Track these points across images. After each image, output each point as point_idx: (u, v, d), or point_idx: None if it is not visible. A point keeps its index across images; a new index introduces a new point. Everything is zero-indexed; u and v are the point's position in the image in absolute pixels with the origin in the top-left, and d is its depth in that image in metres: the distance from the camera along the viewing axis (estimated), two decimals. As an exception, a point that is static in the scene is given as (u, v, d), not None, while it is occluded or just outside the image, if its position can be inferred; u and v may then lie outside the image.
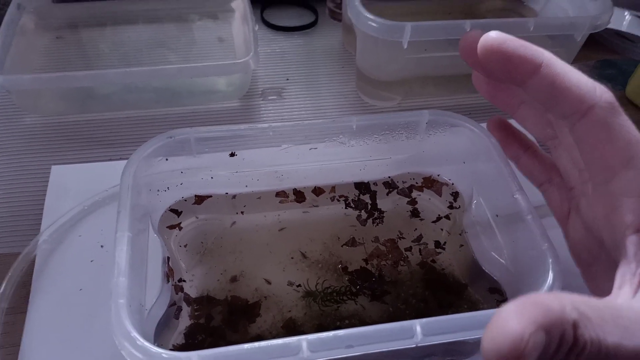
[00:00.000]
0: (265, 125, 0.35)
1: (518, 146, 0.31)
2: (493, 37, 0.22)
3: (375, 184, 0.41)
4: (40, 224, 0.39)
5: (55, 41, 0.56)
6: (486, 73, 0.27)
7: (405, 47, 0.44)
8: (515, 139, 0.31)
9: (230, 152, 0.37)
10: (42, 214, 0.40)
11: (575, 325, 0.15)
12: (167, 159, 0.35)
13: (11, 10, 0.52)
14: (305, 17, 0.62)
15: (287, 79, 0.55)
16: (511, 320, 0.15)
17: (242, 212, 0.39)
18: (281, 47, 0.59)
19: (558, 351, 0.15)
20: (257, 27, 0.51)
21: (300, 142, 0.37)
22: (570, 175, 0.27)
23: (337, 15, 0.62)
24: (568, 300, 0.16)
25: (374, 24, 0.44)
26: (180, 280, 0.34)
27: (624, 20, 0.60)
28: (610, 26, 0.49)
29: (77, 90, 0.48)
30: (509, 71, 0.22)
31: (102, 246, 0.38)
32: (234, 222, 0.38)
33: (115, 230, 0.28)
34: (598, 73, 0.58)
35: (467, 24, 0.43)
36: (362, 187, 0.41)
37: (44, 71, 0.53)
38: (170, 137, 0.34)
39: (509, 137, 0.32)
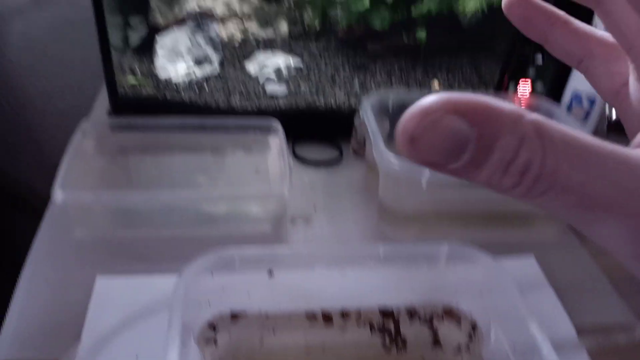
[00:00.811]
0: (301, 247, 0.39)
1: (545, 22, 0.24)
2: None
3: (398, 310, 0.43)
4: (82, 332, 0.41)
5: (110, 164, 0.62)
6: None
7: (424, 186, 0.50)
8: (540, 13, 0.24)
9: (268, 269, 0.40)
10: (83, 322, 0.42)
11: (522, 140, 0.13)
12: (212, 276, 0.38)
13: (77, 136, 0.60)
14: (331, 153, 0.70)
15: (315, 208, 0.60)
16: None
17: (273, 331, 0.41)
18: (310, 179, 0.65)
19: (489, 157, 0.13)
20: (291, 162, 0.58)
21: (331, 265, 0.41)
22: (628, 29, 0.21)
23: (360, 152, 0.69)
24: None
25: (396, 164, 0.50)
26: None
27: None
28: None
29: (126, 208, 0.53)
30: None
31: (137, 356, 0.40)
32: (264, 342, 0.40)
33: (166, 343, 0.31)
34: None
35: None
36: (386, 313, 0.43)
37: (97, 190, 0.58)
38: (218, 256, 0.38)
39: (532, 12, 0.24)
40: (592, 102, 0.70)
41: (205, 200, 0.52)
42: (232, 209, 0.55)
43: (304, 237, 0.56)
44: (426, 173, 0.49)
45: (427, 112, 0.13)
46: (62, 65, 1.04)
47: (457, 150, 0.13)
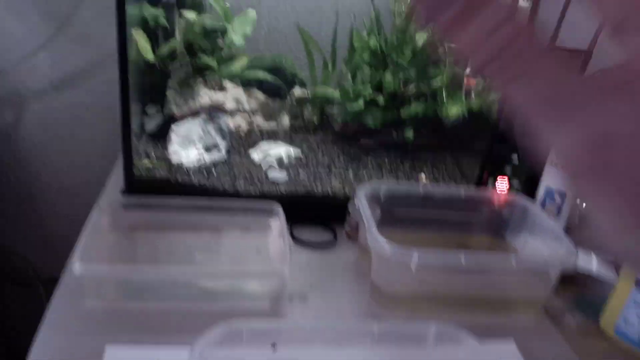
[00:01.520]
0: (303, 323, 0.44)
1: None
2: None
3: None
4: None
5: (122, 240, 0.67)
6: None
7: (414, 269, 0.55)
8: None
9: (272, 343, 0.44)
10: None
11: (511, 14, 0.14)
12: (220, 348, 0.42)
13: (95, 212, 0.65)
14: (326, 236, 0.75)
15: (311, 286, 0.64)
16: None
17: (273, 403, 0.44)
18: (306, 259, 0.70)
19: (476, 16, 0.14)
20: (292, 244, 0.63)
21: (329, 341, 0.45)
22: None
23: (353, 236, 0.74)
24: None
25: (388, 249, 0.55)
26: None
27: (592, 264, 0.72)
28: (582, 265, 0.60)
29: (136, 282, 0.57)
30: None
31: None
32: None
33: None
34: (574, 306, 0.67)
35: (462, 256, 0.55)
36: (378, 387, 0.47)
37: (111, 263, 0.62)
38: (228, 329, 0.42)
39: None
40: (563, 196, 0.78)
41: (209, 276, 0.56)
42: (235, 285, 0.60)
43: (301, 314, 0.59)
44: (415, 257, 0.54)
45: None
46: (73, 145, 1.10)
47: None
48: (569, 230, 0.74)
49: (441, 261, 0.55)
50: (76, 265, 0.53)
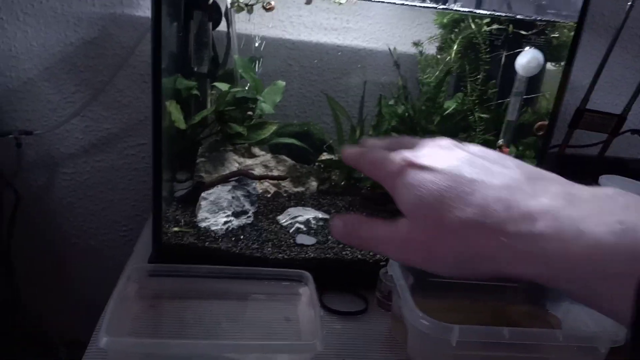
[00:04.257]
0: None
1: None
2: None
3: None
4: None
5: (148, 309, 0.66)
6: None
7: (454, 344, 0.53)
8: None
9: None
10: None
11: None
12: None
13: (122, 281, 0.64)
14: (357, 303, 0.73)
15: (343, 359, 0.62)
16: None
17: None
18: (336, 329, 0.67)
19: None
20: (322, 313, 0.61)
21: None
22: None
23: (384, 305, 0.72)
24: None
25: (425, 323, 0.53)
26: None
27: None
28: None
29: (161, 355, 0.55)
30: None
31: None
32: None
33: None
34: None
35: (506, 331, 0.52)
36: None
37: (137, 336, 0.61)
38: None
39: None
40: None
41: (237, 349, 0.54)
42: (263, 358, 0.57)
43: (334, 392, 0.56)
44: (456, 333, 0.52)
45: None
46: (102, 207, 1.12)
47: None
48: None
49: (483, 336, 0.52)
50: (103, 339, 0.52)
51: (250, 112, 0.81)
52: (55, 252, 1.15)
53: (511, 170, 0.27)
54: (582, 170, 0.86)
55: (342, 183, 0.87)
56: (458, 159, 0.28)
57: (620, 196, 0.24)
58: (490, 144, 0.74)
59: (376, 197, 0.86)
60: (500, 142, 0.72)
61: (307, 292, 0.68)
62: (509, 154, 0.73)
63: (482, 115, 0.75)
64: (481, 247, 0.25)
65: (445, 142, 0.31)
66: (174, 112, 0.76)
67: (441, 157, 0.28)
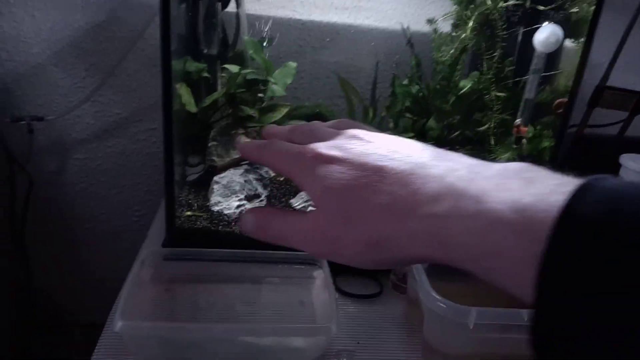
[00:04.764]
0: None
1: None
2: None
3: None
4: None
5: (163, 293, 0.66)
6: None
7: (471, 327, 0.52)
8: None
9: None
10: None
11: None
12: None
13: (136, 265, 0.64)
14: (371, 287, 0.72)
15: (358, 343, 0.61)
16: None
17: None
18: (351, 312, 0.67)
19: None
20: (336, 296, 0.60)
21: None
22: None
23: (399, 287, 0.71)
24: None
25: (442, 305, 0.52)
26: None
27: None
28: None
29: (177, 339, 0.55)
30: None
31: None
32: None
33: None
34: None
35: (524, 313, 0.51)
36: None
37: (152, 320, 0.61)
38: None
39: None
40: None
41: (252, 333, 0.54)
42: (278, 342, 0.57)
43: (349, 375, 0.56)
44: (473, 314, 0.51)
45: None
46: (114, 192, 1.12)
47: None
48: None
49: (501, 319, 0.52)
50: (118, 323, 0.52)
51: (260, 94, 0.80)
52: (69, 237, 1.16)
53: (417, 154, 0.27)
54: (602, 150, 0.83)
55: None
56: (365, 147, 0.28)
57: (528, 171, 0.24)
58: (507, 123, 0.72)
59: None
60: (518, 121, 0.71)
61: (321, 275, 0.67)
62: (527, 134, 0.71)
63: (499, 94, 0.73)
64: (390, 234, 0.26)
65: (351, 131, 0.31)
66: (185, 94, 0.75)
67: (348, 146, 0.29)
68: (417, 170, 0.26)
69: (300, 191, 0.81)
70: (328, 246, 0.28)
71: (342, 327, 0.64)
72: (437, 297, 0.53)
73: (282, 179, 0.84)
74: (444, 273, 0.66)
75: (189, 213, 0.74)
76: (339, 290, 0.71)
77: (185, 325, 0.54)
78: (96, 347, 0.58)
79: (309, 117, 0.87)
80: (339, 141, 0.30)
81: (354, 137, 0.30)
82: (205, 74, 0.81)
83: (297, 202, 0.79)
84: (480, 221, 0.22)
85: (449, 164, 0.26)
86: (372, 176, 0.27)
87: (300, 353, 0.58)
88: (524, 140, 0.70)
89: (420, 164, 0.26)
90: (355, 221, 0.26)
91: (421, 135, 0.78)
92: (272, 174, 0.83)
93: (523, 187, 0.22)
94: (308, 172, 0.29)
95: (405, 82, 0.80)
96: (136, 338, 0.55)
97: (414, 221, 0.25)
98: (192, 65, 0.79)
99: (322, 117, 0.88)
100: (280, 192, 0.82)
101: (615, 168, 0.76)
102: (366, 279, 0.74)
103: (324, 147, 0.29)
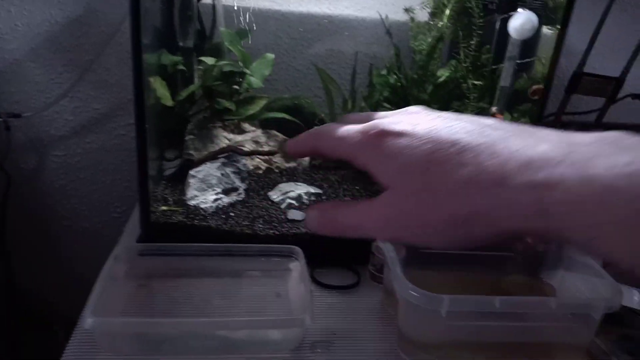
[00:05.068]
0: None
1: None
2: None
3: None
4: None
5: (138, 288, 0.65)
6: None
7: (444, 315, 0.51)
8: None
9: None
10: None
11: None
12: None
13: (109, 261, 0.63)
14: (349, 278, 0.72)
15: (334, 333, 0.61)
16: None
17: None
18: (328, 304, 0.67)
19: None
20: (313, 287, 0.60)
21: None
22: None
23: (377, 278, 0.71)
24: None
25: (415, 294, 0.52)
26: None
27: (634, 299, 0.67)
28: (624, 304, 0.56)
29: (151, 334, 0.55)
30: None
31: None
32: None
33: None
34: (619, 346, 0.62)
35: (497, 300, 0.51)
36: None
37: (125, 315, 0.60)
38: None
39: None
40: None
41: (228, 327, 0.54)
42: (254, 334, 0.57)
43: (324, 366, 0.56)
44: (446, 303, 0.51)
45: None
46: (94, 188, 1.11)
47: None
48: (605, 265, 0.70)
49: (473, 307, 0.51)
50: (88, 320, 0.51)
51: (236, 87, 0.79)
52: (49, 235, 1.15)
53: (496, 128, 0.25)
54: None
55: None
56: (434, 122, 0.26)
57: (626, 138, 0.22)
58: (484, 111, 0.72)
59: (369, 171, 0.84)
60: (494, 109, 0.70)
61: (297, 267, 0.67)
62: (503, 119, 0.71)
63: (476, 82, 0.72)
64: (477, 206, 0.24)
65: (412, 107, 0.29)
66: (159, 88, 0.74)
67: (416, 122, 0.27)
68: (499, 142, 0.24)
69: (277, 184, 0.80)
70: (409, 229, 0.26)
71: (319, 319, 0.63)
72: (410, 285, 0.53)
73: (260, 171, 0.84)
74: (421, 263, 0.65)
75: (164, 208, 0.73)
76: (316, 281, 0.70)
77: (157, 321, 0.53)
78: (67, 345, 0.57)
79: (288, 109, 0.86)
80: (401, 116, 0.28)
81: (417, 112, 0.28)
82: (181, 67, 0.80)
83: (276, 194, 0.78)
84: (586, 188, 0.21)
85: (537, 134, 0.25)
86: (450, 149, 0.25)
87: (275, 345, 0.57)
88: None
89: (499, 135, 0.25)
90: (441, 197, 0.25)
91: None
92: (251, 167, 0.82)
93: (626, 153, 0.21)
94: (376, 151, 0.27)
95: (384, 72, 0.80)
96: (108, 335, 0.54)
97: (508, 191, 0.23)
98: (167, 58, 0.78)
99: (302, 109, 0.88)
100: (259, 185, 0.81)
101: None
102: (345, 271, 0.74)
103: (387, 123, 0.27)
